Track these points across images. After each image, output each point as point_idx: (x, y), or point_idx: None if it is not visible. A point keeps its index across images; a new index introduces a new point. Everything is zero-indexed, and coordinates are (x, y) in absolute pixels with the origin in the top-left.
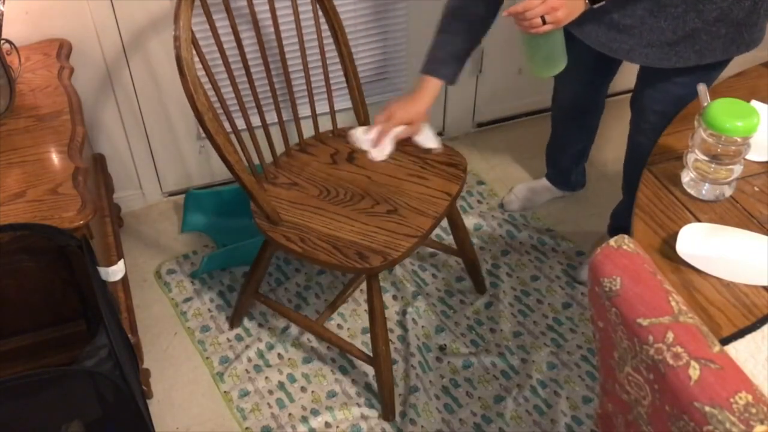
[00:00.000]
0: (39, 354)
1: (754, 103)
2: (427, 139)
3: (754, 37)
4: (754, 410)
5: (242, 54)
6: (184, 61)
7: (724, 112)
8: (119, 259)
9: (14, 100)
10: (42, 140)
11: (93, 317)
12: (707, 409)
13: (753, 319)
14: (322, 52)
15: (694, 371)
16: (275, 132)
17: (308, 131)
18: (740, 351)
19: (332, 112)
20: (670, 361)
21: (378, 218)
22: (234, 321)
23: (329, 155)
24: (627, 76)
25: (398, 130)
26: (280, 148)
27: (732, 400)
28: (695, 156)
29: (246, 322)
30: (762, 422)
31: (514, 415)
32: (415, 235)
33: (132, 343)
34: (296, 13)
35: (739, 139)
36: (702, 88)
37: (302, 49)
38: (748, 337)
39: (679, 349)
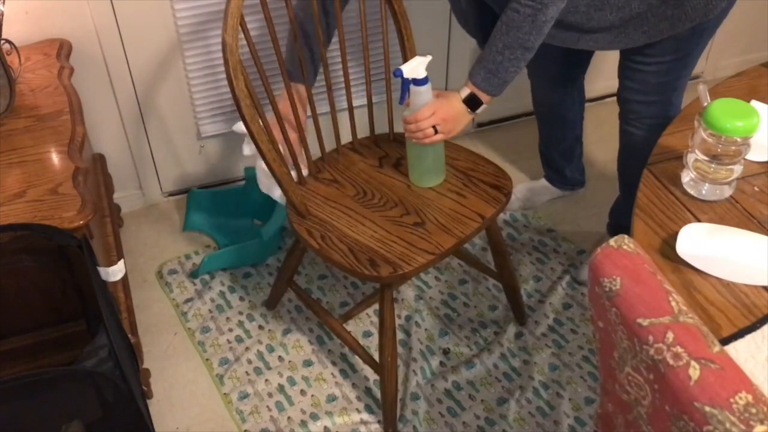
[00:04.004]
0: (39, 354)
1: (754, 103)
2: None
3: (700, 11)
4: (754, 410)
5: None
6: (228, 46)
7: (724, 112)
8: (119, 259)
9: (14, 100)
10: (42, 140)
11: (93, 317)
12: (707, 409)
13: (753, 319)
14: (386, 55)
15: (694, 371)
16: (326, 125)
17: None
18: (740, 351)
19: (390, 116)
20: (670, 361)
21: (402, 228)
22: (269, 304)
23: (378, 158)
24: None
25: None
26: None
27: (732, 400)
28: (695, 156)
29: (247, 324)
30: (762, 422)
31: (517, 417)
32: (433, 252)
33: (132, 343)
34: (363, 15)
35: (739, 139)
36: (702, 87)
37: (365, 51)
38: (748, 337)
39: (679, 349)
